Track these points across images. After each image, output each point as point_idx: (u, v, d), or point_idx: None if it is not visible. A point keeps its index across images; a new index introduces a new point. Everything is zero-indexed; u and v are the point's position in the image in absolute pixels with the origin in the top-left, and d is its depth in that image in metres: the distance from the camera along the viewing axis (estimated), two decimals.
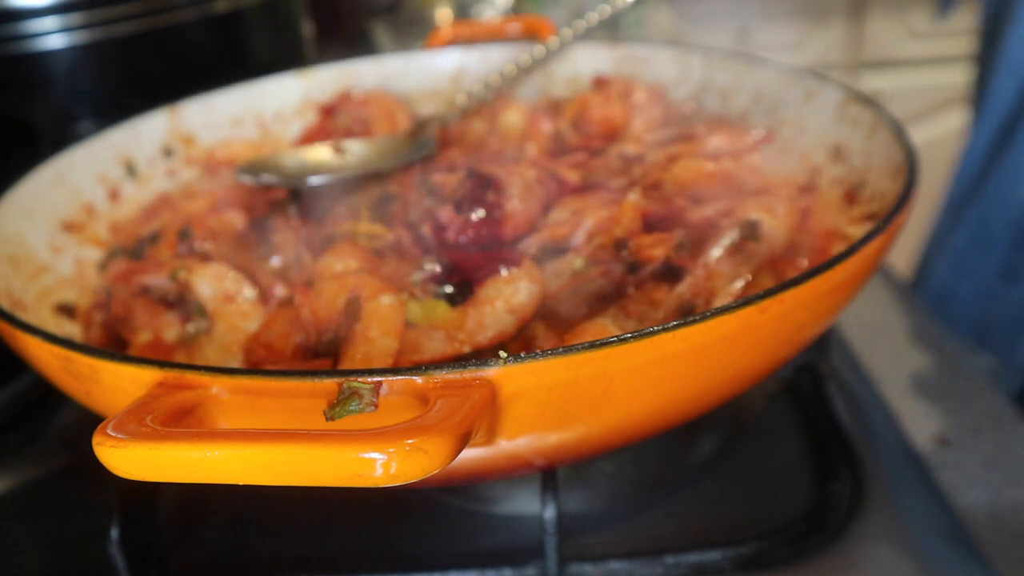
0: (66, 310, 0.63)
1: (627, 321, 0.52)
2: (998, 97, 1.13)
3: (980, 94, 1.21)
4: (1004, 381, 1.07)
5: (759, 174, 0.67)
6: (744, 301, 0.41)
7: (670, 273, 0.54)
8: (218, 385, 0.39)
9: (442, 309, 0.53)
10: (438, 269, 0.55)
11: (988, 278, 1.12)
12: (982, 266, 1.12)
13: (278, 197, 0.67)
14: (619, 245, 0.56)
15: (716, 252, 0.54)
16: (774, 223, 0.57)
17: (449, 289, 0.54)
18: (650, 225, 0.58)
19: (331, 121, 0.83)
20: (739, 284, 0.53)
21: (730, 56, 0.80)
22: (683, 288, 0.52)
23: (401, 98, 0.87)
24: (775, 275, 0.56)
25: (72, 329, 0.63)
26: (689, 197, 0.62)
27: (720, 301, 0.52)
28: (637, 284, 0.54)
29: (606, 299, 0.54)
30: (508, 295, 0.52)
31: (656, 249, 0.54)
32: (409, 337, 0.51)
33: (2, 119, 0.82)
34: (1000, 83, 1.13)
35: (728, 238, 0.55)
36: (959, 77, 2.15)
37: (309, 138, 0.83)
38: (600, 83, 0.83)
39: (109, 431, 0.35)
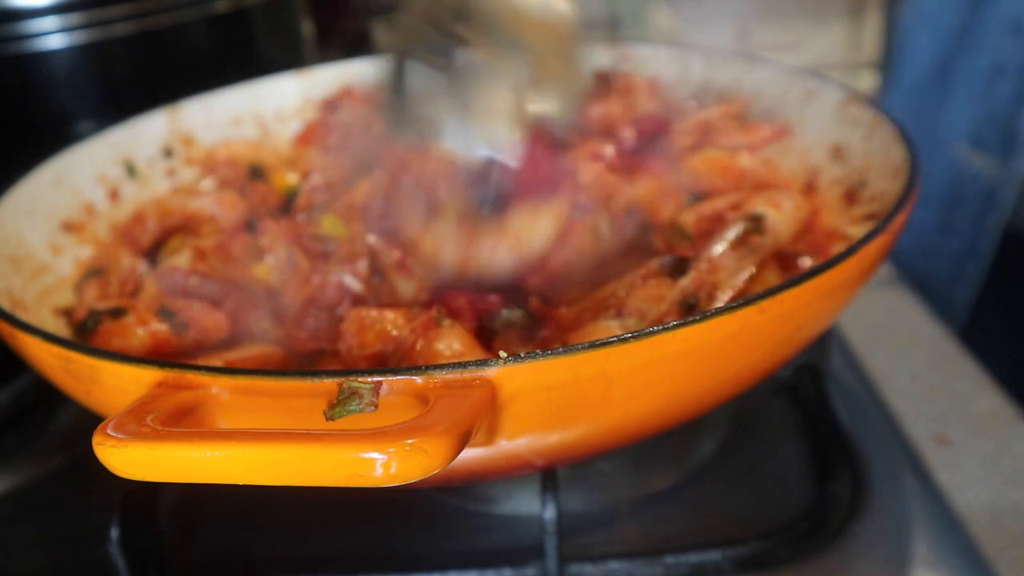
0: (69, 314, 0.63)
1: (629, 320, 0.52)
2: (914, 55, 1.15)
3: (891, 57, 1.24)
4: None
5: (774, 170, 0.67)
6: (744, 301, 0.41)
7: (676, 267, 0.54)
8: (218, 385, 0.39)
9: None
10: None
11: (926, 232, 1.16)
12: (920, 221, 1.15)
13: (270, 202, 0.68)
14: (630, 209, 0.56)
15: (720, 246, 0.54)
16: (779, 217, 0.57)
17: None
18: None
19: (331, 116, 0.83)
20: (743, 277, 0.53)
21: (730, 56, 0.79)
22: (686, 281, 0.52)
23: None
24: (782, 271, 0.56)
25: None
26: (701, 189, 0.62)
27: (724, 295, 0.52)
28: (645, 274, 0.54)
29: (617, 263, 0.55)
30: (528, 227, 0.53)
31: (665, 208, 0.55)
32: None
33: (2, 119, 0.82)
34: (914, 40, 1.15)
35: (733, 231, 0.55)
36: None
37: (309, 133, 0.82)
38: (602, 77, 0.83)
39: (109, 431, 0.35)
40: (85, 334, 0.54)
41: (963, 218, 1.11)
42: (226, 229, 0.67)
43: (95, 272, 0.65)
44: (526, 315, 0.53)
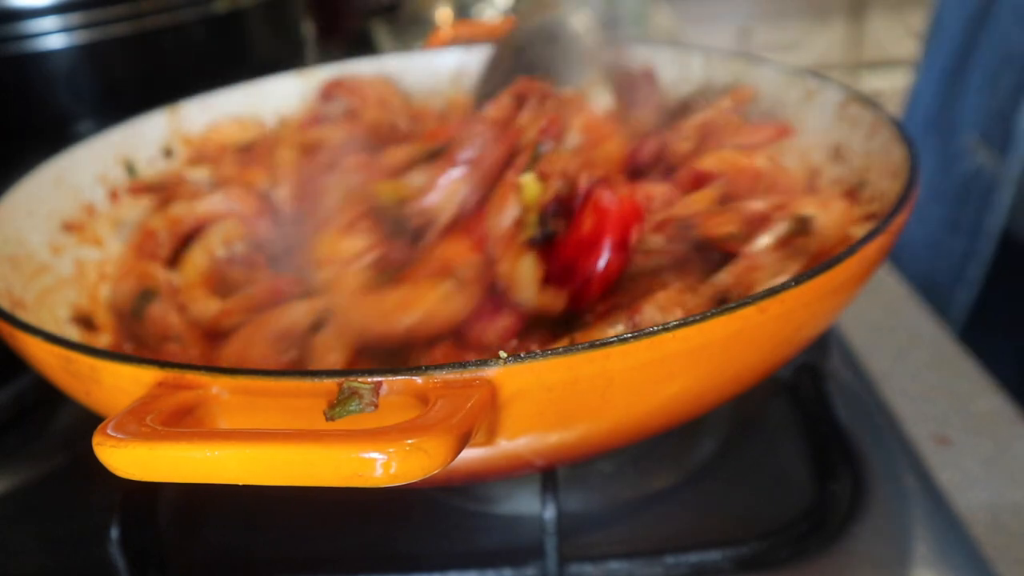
0: (85, 322, 0.63)
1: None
2: (943, 41, 1.11)
3: (929, 36, 1.20)
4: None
5: (784, 171, 0.66)
6: (744, 301, 0.41)
7: (716, 261, 0.53)
8: (218, 385, 0.39)
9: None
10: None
11: (937, 229, 1.12)
12: (932, 216, 1.12)
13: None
14: (684, 224, 0.55)
15: (764, 240, 0.53)
16: (827, 221, 0.55)
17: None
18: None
19: (325, 106, 0.82)
20: (781, 281, 0.52)
21: (730, 56, 0.79)
22: (724, 276, 0.51)
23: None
24: None
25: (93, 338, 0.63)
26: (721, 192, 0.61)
27: None
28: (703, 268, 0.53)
29: (663, 273, 0.54)
30: None
31: (724, 226, 0.54)
32: None
33: (2, 119, 0.82)
34: (944, 25, 1.10)
35: (778, 228, 0.54)
36: None
37: (303, 127, 0.82)
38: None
39: (109, 431, 0.35)
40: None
41: (967, 217, 1.07)
42: (248, 218, 0.67)
43: (146, 297, 0.63)
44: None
